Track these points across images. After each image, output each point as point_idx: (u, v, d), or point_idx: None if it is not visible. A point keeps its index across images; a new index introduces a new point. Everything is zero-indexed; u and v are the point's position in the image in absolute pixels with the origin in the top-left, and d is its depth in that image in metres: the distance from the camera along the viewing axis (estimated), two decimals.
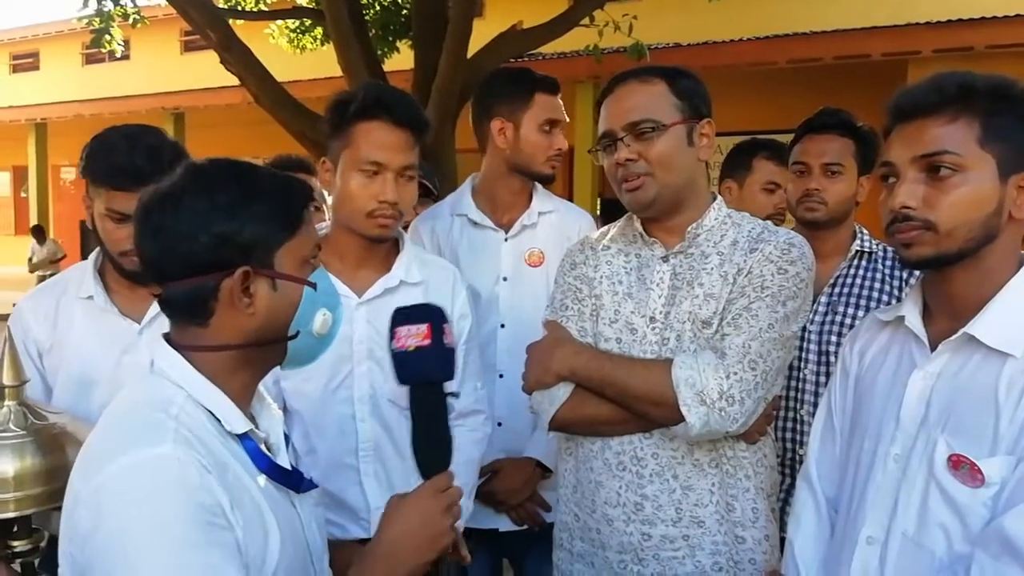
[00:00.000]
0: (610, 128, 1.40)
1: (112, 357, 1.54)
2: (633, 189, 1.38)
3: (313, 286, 1.03)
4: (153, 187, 1.01)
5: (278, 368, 1.54)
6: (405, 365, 1.10)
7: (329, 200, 1.84)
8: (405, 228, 1.83)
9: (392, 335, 1.11)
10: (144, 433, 0.91)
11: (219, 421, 0.97)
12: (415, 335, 1.10)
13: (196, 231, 0.96)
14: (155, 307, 1.54)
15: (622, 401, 1.34)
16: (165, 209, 0.98)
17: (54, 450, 1.31)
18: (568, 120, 2.03)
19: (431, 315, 1.12)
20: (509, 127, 1.97)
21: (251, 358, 1.02)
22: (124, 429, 0.93)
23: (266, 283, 1.00)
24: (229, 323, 0.99)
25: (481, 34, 5.39)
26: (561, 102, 2.02)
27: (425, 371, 1.10)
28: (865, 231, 1.96)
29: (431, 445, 1.09)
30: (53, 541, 1.49)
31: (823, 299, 1.88)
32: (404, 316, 1.13)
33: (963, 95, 1.04)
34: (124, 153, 1.49)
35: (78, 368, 1.55)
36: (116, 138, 1.53)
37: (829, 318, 1.86)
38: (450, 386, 1.13)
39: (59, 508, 1.36)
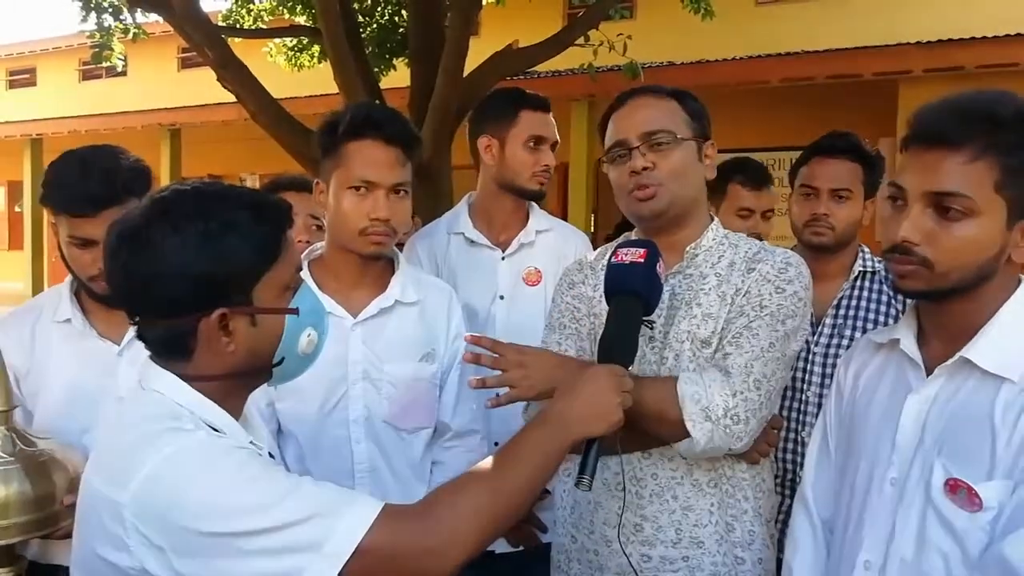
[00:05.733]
0: (624, 137, 1.40)
1: (93, 380, 1.52)
2: (647, 198, 1.38)
3: (295, 312, 1.00)
4: (119, 221, 0.96)
5: (272, 391, 1.56)
6: (616, 275, 1.24)
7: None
8: (400, 247, 1.83)
9: (614, 254, 1.27)
10: (173, 432, 0.92)
11: (218, 433, 0.96)
12: (632, 254, 1.24)
13: (168, 273, 0.92)
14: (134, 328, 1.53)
15: (629, 418, 1.33)
16: (134, 249, 0.93)
17: (41, 477, 1.29)
18: (559, 139, 2.04)
19: (652, 246, 1.26)
20: (495, 144, 1.98)
21: (238, 383, 1.02)
22: (149, 432, 0.92)
23: (246, 319, 0.97)
24: (210, 358, 0.97)
25: (477, 52, 5.42)
26: (552, 120, 2.02)
27: (631, 283, 1.22)
28: (867, 250, 1.95)
29: (619, 345, 1.20)
30: (33, 568, 1.46)
31: (828, 321, 1.88)
32: (628, 243, 1.29)
33: (990, 129, 0.99)
34: (78, 180, 1.45)
35: (59, 392, 1.53)
36: (71, 164, 1.49)
37: (835, 341, 1.85)
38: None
39: (45, 536, 1.34)
